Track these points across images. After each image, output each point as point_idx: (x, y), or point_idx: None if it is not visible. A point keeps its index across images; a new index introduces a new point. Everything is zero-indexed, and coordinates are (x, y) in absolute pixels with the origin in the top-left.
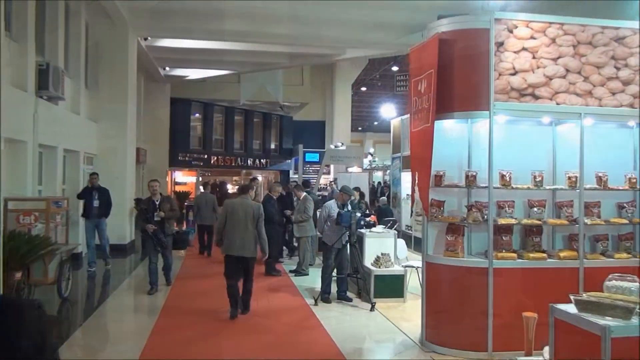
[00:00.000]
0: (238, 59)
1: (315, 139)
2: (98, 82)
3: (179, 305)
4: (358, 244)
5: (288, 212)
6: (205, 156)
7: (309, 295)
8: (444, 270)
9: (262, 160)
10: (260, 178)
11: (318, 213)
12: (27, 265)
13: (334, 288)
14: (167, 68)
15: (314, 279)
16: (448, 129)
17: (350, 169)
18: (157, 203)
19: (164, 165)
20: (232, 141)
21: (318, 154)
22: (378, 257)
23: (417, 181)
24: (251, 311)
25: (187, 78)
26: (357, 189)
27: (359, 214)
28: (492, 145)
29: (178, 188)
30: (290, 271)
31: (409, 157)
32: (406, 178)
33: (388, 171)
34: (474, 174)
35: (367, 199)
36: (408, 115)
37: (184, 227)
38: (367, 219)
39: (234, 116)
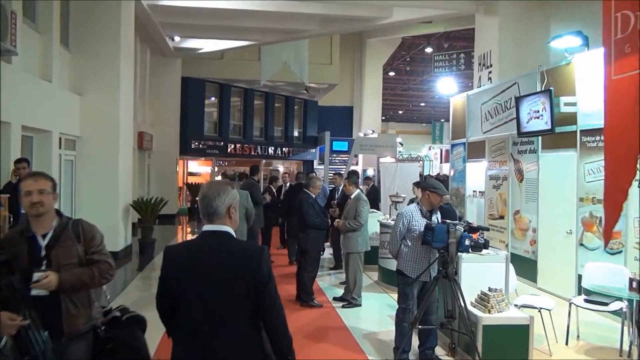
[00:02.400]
0: (259, 25)
1: (342, 126)
2: (83, 43)
3: None
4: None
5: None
6: (222, 144)
7: (374, 350)
8: None
9: (284, 149)
10: (281, 169)
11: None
12: None
13: (414, 340)
14: (177, 38)
15: (370, 313)
16: None
17: (382, 160)
18: (44, 244)
19: (173, 153)
20: (251, 127)
21: (347, 142)
22: (485, 294)
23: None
24: None
25: (200, 51)
26: (417, 184)
27: (460, 228)
28: None
29: (191, 179)
30: (335, 299)
31: (476, 144)
32: (472, 170)
33: (420, 162)
34: None
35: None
36: (474, 91)
37: (196, 227)
38: (474, 235)
39: (253, 99)
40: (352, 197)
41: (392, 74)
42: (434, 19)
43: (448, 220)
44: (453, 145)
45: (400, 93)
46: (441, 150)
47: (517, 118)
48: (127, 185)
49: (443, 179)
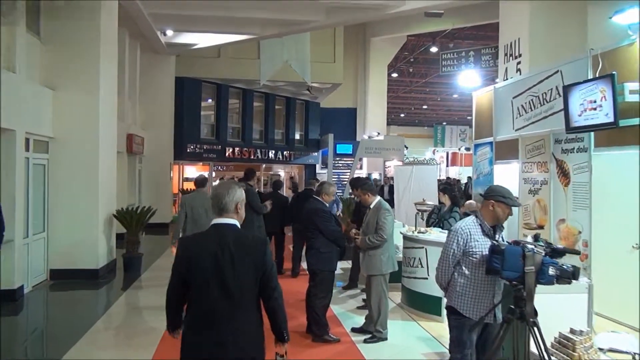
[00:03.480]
0: (259, 16)
1: (345, 129)
2: (56, 31)
3: None
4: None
5: (353, 232)
6: (219, 147)
7: None
8: None
9: (284, 153)
10: (282, 173)
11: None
12: None
13: None
14: (169, 32)
15: (400, 349)
16: None
17: (388, 163)
18: None
19: (167, 157)
20: (251, 130)
21: (351, 145)
22: (567, 338)
23: None
24: None
25: (195, 47)
26: (445, 190)
27: (540, 251)
28: None
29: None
30: (354, 330)
31: (507, 143)
32: (502, 173)
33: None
34: None
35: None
36: (503, 84)
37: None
38: (559, 261)
39: (252, 101)
40: (371, 206)
41: (394, 75)
42: (450, 5)
43: (523, 241)
44: (477, 146)
45: (403, 95)
46: (447, 154)
47: (566, 111)
48: (109, 193)
49: (454, 183)
